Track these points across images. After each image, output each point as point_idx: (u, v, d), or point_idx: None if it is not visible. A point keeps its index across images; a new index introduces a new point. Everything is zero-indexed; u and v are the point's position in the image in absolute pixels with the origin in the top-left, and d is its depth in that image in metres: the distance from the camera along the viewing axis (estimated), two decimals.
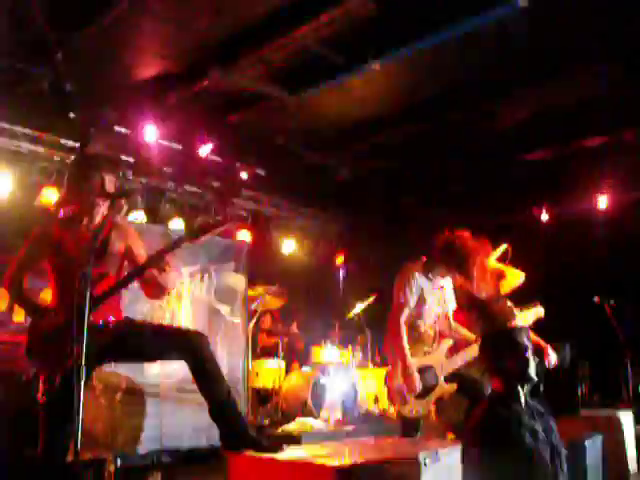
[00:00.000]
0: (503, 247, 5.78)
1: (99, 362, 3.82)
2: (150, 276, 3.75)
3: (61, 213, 4.01)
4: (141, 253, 3.98)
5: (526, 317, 5.23)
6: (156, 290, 3.88)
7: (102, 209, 3.76)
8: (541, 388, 5.71)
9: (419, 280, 4.79)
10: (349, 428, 7.11)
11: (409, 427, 4.69)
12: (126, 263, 3.93)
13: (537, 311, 5.34)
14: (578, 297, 7.64)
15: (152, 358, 4.32)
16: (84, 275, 3.17)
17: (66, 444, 3.52)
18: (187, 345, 3.85)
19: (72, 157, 6.62)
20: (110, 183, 3.77)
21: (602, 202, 8.42)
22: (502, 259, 5.79)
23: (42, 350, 3.54)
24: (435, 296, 4.90)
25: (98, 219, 3.78)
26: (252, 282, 7.80)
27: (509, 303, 5.71)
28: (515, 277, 5.78)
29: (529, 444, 3.00)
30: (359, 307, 8.46)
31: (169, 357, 4.16)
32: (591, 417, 5.93)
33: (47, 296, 3.86)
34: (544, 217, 8.99)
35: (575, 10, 5.19)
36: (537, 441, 3.05)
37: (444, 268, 4.88)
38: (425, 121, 7.15)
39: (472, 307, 5.63)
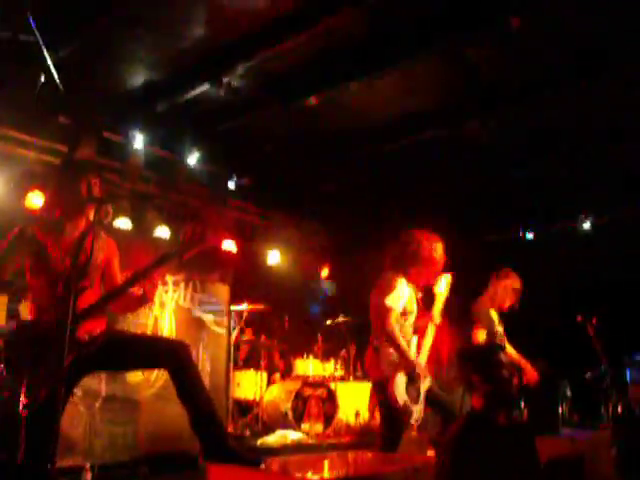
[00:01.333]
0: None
1: (83, 374, 3.80)
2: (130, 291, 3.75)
3: (45, 216, 3.97)
4: (117, 271, 3.98)
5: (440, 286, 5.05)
6: (135, 303, 3.87)
7: (87, 215, 3.74)
8: (521, 406, 5.72)
9: (404, 288, 4.69)
10: (330, 441, 7.10)
11: None
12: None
13: (445, 277, 5.13)
14: (560, 316, 7.70)
15: (135, 368, 4.29)
16: (68, 286, 3.15)
17: (48, 452, 3.48)
18: (169, 355, 3.82)
19: (59, 161, 6.59)
20: (96, 187, 3.75)
21: (586, 222, 8.50)
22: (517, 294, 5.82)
23: (24, 362, 3.48)
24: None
25: (82, 225, 3.75)
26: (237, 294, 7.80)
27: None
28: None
29: (500, 465, 3.00)
30: (342, 318, 8.49)
31: (151, 367, 4.13)
32: (572, 437, 5.95)
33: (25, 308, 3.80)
34: (529, 236, 9.05)
35: (563, 30, 5.26)
36: (510, 462, 3.04)
37: (394, 265, 4.81)
38: (411, 136, 7.19)
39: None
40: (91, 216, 3.68)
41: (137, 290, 3.70)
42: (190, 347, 3.97)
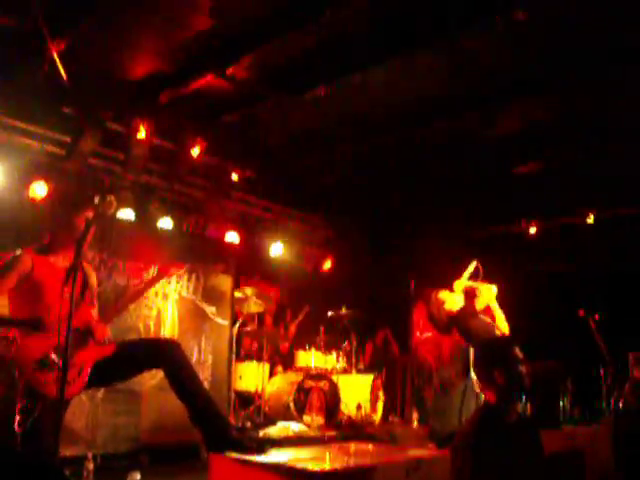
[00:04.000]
0: (472, 265, 5.83)
1: (84, 390, 3.88)
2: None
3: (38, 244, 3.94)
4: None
5: (465, 277, 5.50)
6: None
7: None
8: (523, 400, 5.72)
9: None
10: (331, 433, 7.11)
11: None
12: None
13: (470, 266, 5.60)
14: (562, 310, 7.69)
15: (132, 375, 4.33)
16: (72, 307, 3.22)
17: (47, 448, 3.49)
18: (160, 355, 3.87)
19: (63, 152, 6.58)
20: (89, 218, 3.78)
21: (590, 217, 8.48)
22: (474, 276, 5.85)
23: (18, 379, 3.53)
24: None
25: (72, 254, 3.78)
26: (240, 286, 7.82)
27: (487, 319, 5.77)
28: (488, 291, 5.84)
29: (515, 458, 3.01)
30: (344, 312, 8.50)
31: (146, 369, 4.18)
32: (572, 432, 5.96)
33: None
34: (532, 230, 9.03)
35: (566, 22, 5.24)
36: (523, 455, 3.06)
37: None
38: (415, 128, 7.17)
39: (452, 325, 5.70)
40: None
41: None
42: (181, 345, 4.01)
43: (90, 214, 3.74)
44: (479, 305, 5.80)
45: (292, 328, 8.95)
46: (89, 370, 3.69)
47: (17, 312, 3.69)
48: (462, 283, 5.83)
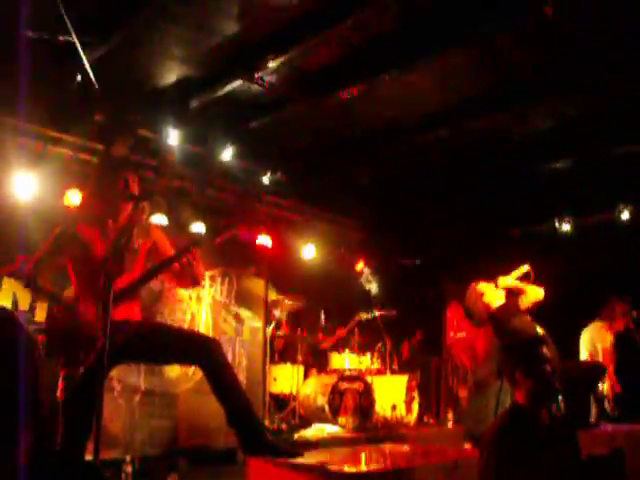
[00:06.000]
0: (524, 268, 5.71)
1: (117, 361, 3.85)
2: (179, 270, 3.80)
3: (87, 214, 4.04)
4: (168, 250, 4.02)
5: (513, 278, 5.38)
6: (188, 280, 3.93)
7: (126, 209, 3.81)
8: (559, 400, 5.64)
9: None
10: (366, 435, 7.09)
11: None
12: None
13: (521, 269, 5.48)
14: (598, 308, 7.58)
15: (167, 362, 4.34)
16: (107, 273, 3.22)
17: (85, 442, 3.54)
18: (202, 351, 3.85)
19: (96, 159, 6.67)
20: (134, 184, 3.82)
21: (625, 213, 8.34)
22: (525, 279, 5.74)
23: (63, 346, 3.56)
24: None
25: (121, 219, 3.83)
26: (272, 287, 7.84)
27: (529, 318, 5.69)
28: (535, 293, 5.74)
29: (545, 458, 2.97)
30: (376, 312, 8.47)
31: (184, 362, 4.18)
32: (612, 431, 5.87)
33: (69, 294, 3.88)
34: (565, 228, 8.93)
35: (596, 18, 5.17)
36: (554, 455, 3.01)
37: None
38: (446, 128, 7.14)
39: (488, 320, 5.62)
40: (129, 211, 3.76)
41: (182, 266, 3.77)
42: (221, 344, 4.01)
43: (131, 176, 3.81)
44: (524, 304, 5.70)
45: (339, 331, 8.88)
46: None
47: (79, 287, 3.75)
48: (507, 281, 5.71)
